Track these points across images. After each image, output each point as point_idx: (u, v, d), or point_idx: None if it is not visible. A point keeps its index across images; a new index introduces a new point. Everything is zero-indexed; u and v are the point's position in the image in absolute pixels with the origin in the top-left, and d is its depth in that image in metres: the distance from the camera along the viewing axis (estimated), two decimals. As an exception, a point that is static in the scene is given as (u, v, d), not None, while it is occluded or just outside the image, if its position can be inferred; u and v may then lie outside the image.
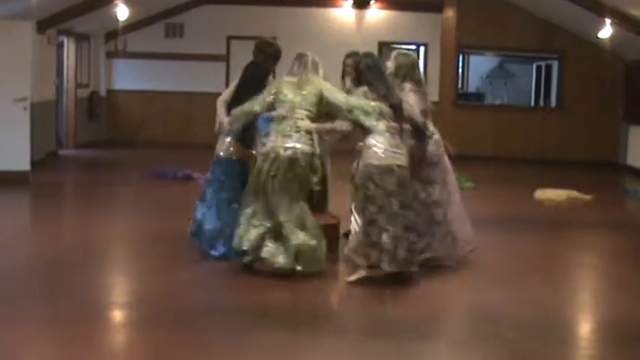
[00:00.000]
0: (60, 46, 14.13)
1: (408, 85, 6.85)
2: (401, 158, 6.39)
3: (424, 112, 6.87)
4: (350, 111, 6.39)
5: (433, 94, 15.59)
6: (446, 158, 7.03)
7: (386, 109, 6.41)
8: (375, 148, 6.34)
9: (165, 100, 16.27)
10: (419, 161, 6.75)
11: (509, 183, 12.84)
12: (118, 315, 5.73)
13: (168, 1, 15.73)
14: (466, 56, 18.91)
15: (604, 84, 15.73)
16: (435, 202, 6.87)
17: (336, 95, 6.50)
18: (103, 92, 16.17)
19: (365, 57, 6.79)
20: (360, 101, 6.42)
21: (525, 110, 17.48)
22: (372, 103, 6.39)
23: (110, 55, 16.31)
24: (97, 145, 15.49)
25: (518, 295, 6.44)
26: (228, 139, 7.04)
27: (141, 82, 16.31)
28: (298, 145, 6.39)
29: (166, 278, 6.48)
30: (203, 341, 5.06)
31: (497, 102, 19.25)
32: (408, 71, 6.90)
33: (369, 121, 6.36)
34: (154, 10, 15.65)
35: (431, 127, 6.94)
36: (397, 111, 6.48)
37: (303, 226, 6.44)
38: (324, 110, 6.59)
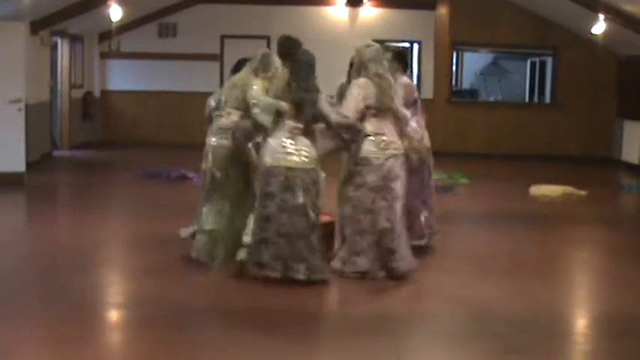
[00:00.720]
0: (54, 47, 14.10)
1: (360, 80, 6.48)
2: (296, 162, 6.19)
3: (374, 109, 6.41)
4: (251, 108, 6.49)
5: (427, 91, 15.70)
6: (398, 163, 6.47)
7: (287, 107, 6.25)
8: (266, 149, 6.32)
9: (159, 100, 16.25)
10: (350, 157, 6.50)
11: (503, 179, 12.84)
12: (113, 315, 5.73)
13: (162, 1, 15.70)
14: (460, 53, 18.93)
15: (598, 79, 15.74)
16: (368, 210, 6.38)
17: (250, 92, 6.59)
18: (97, 93, 16.14)
19: (300, 51, 6.51)
20: (262, 99, 6.45)
21: (519, 106, 17.47)
22: (272, 101, 6.35)
23: (104, 55, 16.29)
24: (92, 145, 15.45)
25: (513, 290, 6.45)
26: None
27: (135, 83, 16.29)
28: (218, 141, 6.81)
29: (162, 278, 6.47)
30: (199, 341, 5.06)
31: (492, 98, 19.27)
32: (367, 63, 6.48)
33: (262, 118, 6.35)
34: (147, 10, 15.63)
35: (370, 126, 6.41)
36: (306, 109, 6.24)
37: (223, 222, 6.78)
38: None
